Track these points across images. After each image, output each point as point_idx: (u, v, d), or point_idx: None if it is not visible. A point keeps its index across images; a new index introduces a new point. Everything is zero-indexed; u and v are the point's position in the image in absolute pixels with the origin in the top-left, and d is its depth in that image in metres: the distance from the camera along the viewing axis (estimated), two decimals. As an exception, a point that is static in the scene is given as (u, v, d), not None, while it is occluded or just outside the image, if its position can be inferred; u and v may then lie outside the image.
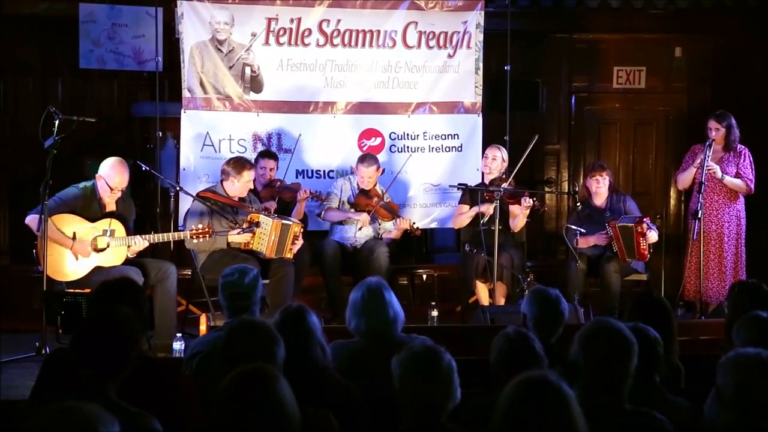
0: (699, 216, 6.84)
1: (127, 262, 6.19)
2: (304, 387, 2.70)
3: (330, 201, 7.16)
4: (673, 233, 8.56)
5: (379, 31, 7.65)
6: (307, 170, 7.64)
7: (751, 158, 7.20)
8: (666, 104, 9.34)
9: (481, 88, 7.86)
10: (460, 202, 7.32)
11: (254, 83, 7.50)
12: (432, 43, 7.75)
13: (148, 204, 7.70)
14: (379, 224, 7.22)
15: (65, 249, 6.05)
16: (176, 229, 6.89)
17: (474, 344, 4.76)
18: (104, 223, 6.12)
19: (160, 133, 7.51)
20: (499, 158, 7.13)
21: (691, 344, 4.96)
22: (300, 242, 6.60)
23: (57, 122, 6.12)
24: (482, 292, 6.96)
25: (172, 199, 7.26)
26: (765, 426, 2.78)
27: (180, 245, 6.81)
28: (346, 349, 3.86)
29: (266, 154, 7.21)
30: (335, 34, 7.58)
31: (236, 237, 6.45)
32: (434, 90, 7.81)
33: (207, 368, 3.85)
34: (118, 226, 6.15)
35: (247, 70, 7.46)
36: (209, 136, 7.44)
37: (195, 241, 6.29)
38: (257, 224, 6.46)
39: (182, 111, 7.38)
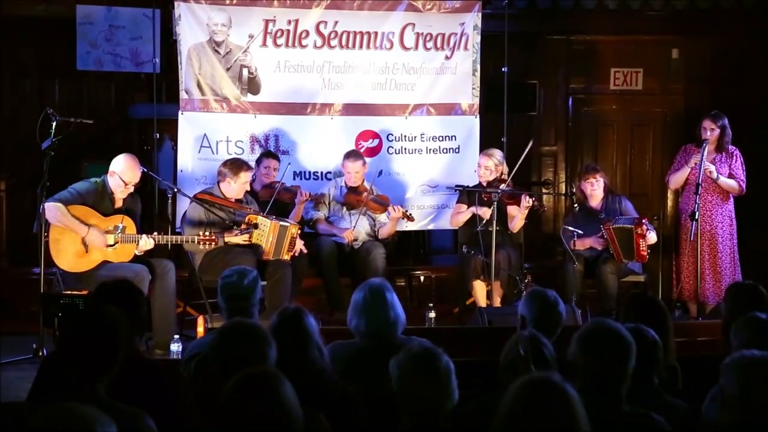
0: (696, 217, 6.85)
1: (133, 260, 6.20)
2: (301, 389, 2.70)
3: (319, 209, 7.17)
4: (670, 234, 8.56)
5: (376, 33, 7.65)
6: (304, 172, 7.64)
7: (742, 159, 7.22)
8: (663, 106, 9.35)
9: (478, 89, 7.86)
10: (457, 202, 7.32)
11: (252, 85, 7.50)
12: (429, 44, 7.75)
13: (145, 205, 7.69)
14: (373, 219, 7.23)
15: (75, 239, 6.05)
16: (174, 231, 6.89)
17: (472, 346, 4.76)
18: (116, 219, 6.15)
19: (158, 135, 7.49)
20: (492, 166, 7.10)
21: (689, 345, 4.96)
22: (300, 244, 6.60)
23: (54, 124, 6.12)
24: (480, 293, 6.96)
25: (170, 201, 7.25)
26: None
27: (177, 247, 6.81)
28: (345, 350, 3.87)
29: (269, 154, 7.22)
30: (332, 35, 7.59)
31: (234, 239, 6.45)
32: (432, 91, 7.81)
33: (205, 370, 3.85)
34: (129, 223, 6.18)
35: (245, 71, 7.46)
36: (207, 138, 7.43)
37: (201, 247, 6.31)
38: (255, 226, 6.47)
39: (180, 113, 7.37)
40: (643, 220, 6.89)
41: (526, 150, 6.93)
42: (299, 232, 6.65)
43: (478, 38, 7.79)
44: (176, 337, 5.62)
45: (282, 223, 6.52)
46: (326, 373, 3.50)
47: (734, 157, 7.21)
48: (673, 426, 3.04)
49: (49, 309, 5.80)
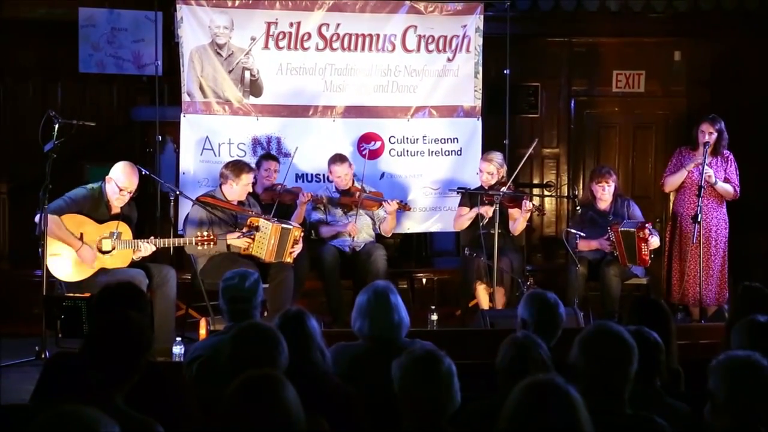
0: (699, 220, 6.84)
1: (130, 265, 6.20)
2: (303, 391, 2.70)
3: (317, 212, 7.18)
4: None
5: (378, 35, 7.65)
6: (306, 174, 7.64)
7: (736, 164, 7.21)
8: (665, 108, 9.35)
9: (480, 91, 7.86)
10: (460, 205, 7.32)
11: (254, 87, 7.51)
12: (431, 47, 7.75)
13: (147, 208, 7.70)
14: (372, 216, 7.24)
15: (72, 249, 6.07)
16: (176, 234, 6.90)
17: (474, 348, 4.76)
18: (112, 225, 6.15)
19: (160, 138, 7.50)
20: (494, 170, 7.09)
21: (691, 348, 4.95)
22: (300, 246, 6.61)
23: (56, 126, 6.13)
24: (483, 295, 6.96)
25: (172, 204, 7.27)
26: (760, 429, 2.78)
27: (180, 249, 6.81)
28: (348, 352, 3.87)
29: (268, 156, 7.23)
30: (335, 38, 7.59)
31: (236, 241, 6.46)
32: (434, 94, 7.81)
33: (207, 372, 3.85)
34: (125, 229, 6.18)
35: (247, 74, 7.47)
36: (209, 140, 7.44)
37: (199, 247, 6.31)
38: (257, 228, 6.46)
39: (182, 115, 7.37)
40: (647, 225, 6.88)
41: (530, 150, 6.92)
42: (302, 234, 6.65)
43: (480, 40, 7.79)
44: (178, 339, 5.62)
45: (284, 225, 6.52)
46: (328, 375, 3.51)
47: (729, 162, 7.20)
48: (676, 429, 3.03)
49: (51, 311, 5.80)
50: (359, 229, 7.14)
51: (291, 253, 6.54)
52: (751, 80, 8.93)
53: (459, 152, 7.89)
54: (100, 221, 6.16)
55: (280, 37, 7.50)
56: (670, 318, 3.94)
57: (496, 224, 6.72)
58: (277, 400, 2.50)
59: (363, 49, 7.65)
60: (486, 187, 7.09)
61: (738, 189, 7.15)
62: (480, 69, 7.83)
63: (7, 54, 8.48)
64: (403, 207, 7.15)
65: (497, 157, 7.19)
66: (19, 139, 8.31)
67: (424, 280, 8.20)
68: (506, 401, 2.46)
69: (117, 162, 6.29)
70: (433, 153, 7.88)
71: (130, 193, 6.24)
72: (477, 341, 5.22)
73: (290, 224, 6.60)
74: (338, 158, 7.18)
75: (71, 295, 5.92)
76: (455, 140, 7.88)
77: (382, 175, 7.66)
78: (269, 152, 7.37)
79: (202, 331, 5.79)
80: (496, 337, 3.45)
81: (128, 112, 8.53)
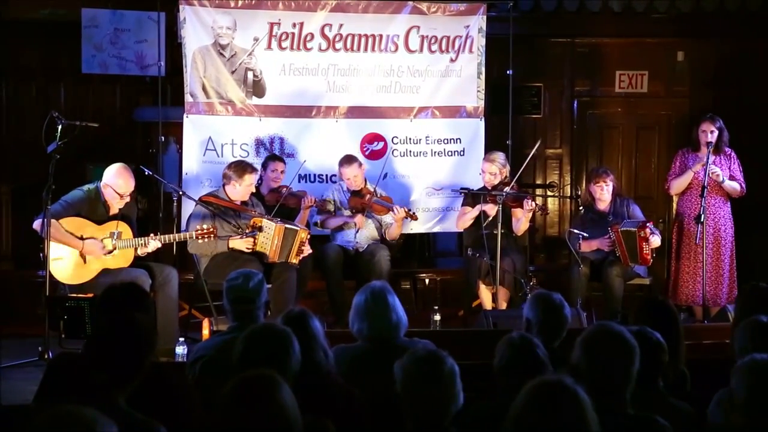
0: (702, 220, 6.83)
1: (133, 264, 6.20)
2: (306, 391, 2.69)
3: (327, 206, 7.18)
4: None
5: (381, 36, 7.65)
6: (309, 174, 7.64)
7: (739, 160, 7.21)
8: (668, 108, 9.34)
9: (483, 92, 7.85)
10: (462, 205, 7.32)
11: (256, 88, 7.51)
12: (434, 47, 7.75)
13: (151, 209, 7.71)
14: (379, 221, 7.24)
15: (73, 251, 6.06)
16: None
17: (477, 348, 4.75)
18: (111, 225, 6.14)
19: (163, 138, 7.50)
20: (496, 171, 7.09)
21: (695, 348, 4.94)
22: (308, 249, 6.60)
23: (59, 127, 6.12)
24: (485, 295, 6.96)
25: (175, 204, 7.27)
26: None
27: (182, 249, 6.81)
28: (348, 353, 3.87)
29: (274, 157, 7.23)
30: (337, 38, 7.59)
31: (239, 242, 6.46)
32: (436, 94, 7.81)
33: (210, 373, 3.85)
34: (125, 228, 6.18)
35: (250, 74, 7.47)
36: (212, 141, 7.44)
37: (199, 241, 6.30)
38: (260, 229, 6.46)
39: (185, 116, 7.37)
40: (648, 224, 6.88)
41: (533, 151, 6.92)
42: (309, 236, 6.64)
43: (483, 41, 7.78)
44: (181, 339, 5.62)
45: (289, 226, 6.52)
46: (331, 375, 3.50)
47: (732, 159, 7.22)
48: (678, 429, 3.03)
49: (54, 312, 5.80)
50: (365, 226, 7.15)
51: (298, 255, 6.53)
52: (755, 80, 8.93)
53: (462, 153, 7.88)
54: (100, 222, 6.15)
55: (283, 37, 7.50)
56: (678, 319, 3.90)
57: (499, 224, 6.72)
58: (272, 401, 2.49)
59: (366, 49, 7.65)
60: (489, 188, 7.09)
61: (744, 185, 7.16)
62: (483, 69, 7.82)
63: (9, 54, 8.48)
64: (411, 216, 7.13)
65: (500, 157, 7.19)
66: (21, 140, 8.32)
67: (426, 281, 8.20)
68: (514, 401, 2.46)
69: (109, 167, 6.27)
70: (436, 153, 7.87)
71: (129, 195, 6.24)
72: (480, 341, 5.21)
73: (296, 225, 6.60)
74: (346, 160, 7.18)
75: (74, 295, 5.92)
76: (458, 141, 7.88)
77: (385, 175, 7.64)
78: (275, 153, 7.38)
79: (205, 332, 5.78)
80: (498, 338, 3.45)
81: (131, 112, 8.54)
